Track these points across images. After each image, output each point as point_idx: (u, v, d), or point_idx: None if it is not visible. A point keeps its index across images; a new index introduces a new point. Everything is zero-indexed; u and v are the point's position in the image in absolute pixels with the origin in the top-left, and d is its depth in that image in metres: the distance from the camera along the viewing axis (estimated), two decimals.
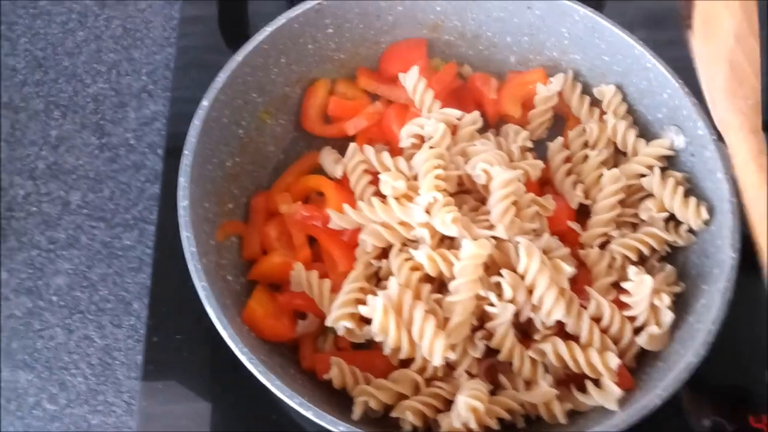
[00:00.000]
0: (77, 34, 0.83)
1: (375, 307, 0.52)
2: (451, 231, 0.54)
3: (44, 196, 0.73)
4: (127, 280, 0.68)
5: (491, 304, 0.53)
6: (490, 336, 0.54)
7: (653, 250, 0.59)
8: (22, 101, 0.78)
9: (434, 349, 0.51)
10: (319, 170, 0.66)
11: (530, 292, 0.54)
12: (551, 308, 0.53)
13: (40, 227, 0.71)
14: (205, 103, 0.58)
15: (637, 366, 0.56)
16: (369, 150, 0.62)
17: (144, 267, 0.69)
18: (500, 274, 0.54)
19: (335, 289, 0.56)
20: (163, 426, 0.58)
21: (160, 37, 0.84)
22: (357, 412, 0.52)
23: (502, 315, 0.53)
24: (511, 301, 0.53)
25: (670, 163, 0.62)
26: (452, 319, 0.53)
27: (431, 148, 0.59)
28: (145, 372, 0.60)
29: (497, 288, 0.54)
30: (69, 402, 0.63)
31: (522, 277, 0.54)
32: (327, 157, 0.64)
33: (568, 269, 0.54)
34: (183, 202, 0.54)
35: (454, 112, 0.63)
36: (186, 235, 0.53)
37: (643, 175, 0.61)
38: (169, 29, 0.84)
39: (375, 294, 0.53)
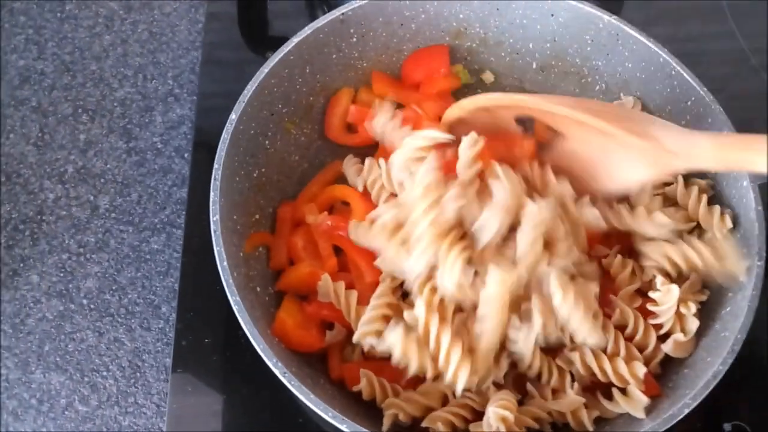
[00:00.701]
0: (104, 38, 0.84)
1: (393, 342, 0.51)
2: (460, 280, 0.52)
3: (73, 200, 0.74)
4: (155, 284, 0.69)
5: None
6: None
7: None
8: (51, 105, 0.79)
9: (459, 377, 0.50)
10: (343, 179, 0.67)
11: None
12: (586, 337, 0.52)
13: (70, 231, 0.72)
14: (233, 116, 0.59)
15: (663, 373, 0.56)
16: (383, 165, 0.62)
17: (172, 271, 0.70)
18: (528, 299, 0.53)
19: (362, 301, 0.57)
20: (191, 427, 0.59)
21: (186, 40, 0.85)
22: (386, 424, 0.52)
23: (526, 342, 0.52)
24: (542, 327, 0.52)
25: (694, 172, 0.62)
26: (479, 346, 0.52)
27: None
28: (174, 375, 0.61)
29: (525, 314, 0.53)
30: (100, 403, 0.64)
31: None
32: (349, 168, 0.65)
33: (596, 289, 0.54)
34: (214, 217, 0.55)
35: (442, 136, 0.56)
36: (218, 250, 0.54)
37: (667, 184, 0.61)
38: (194, 32, 0.85)
39: (400, 310, 0.54)
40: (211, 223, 0.55)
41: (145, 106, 0.80)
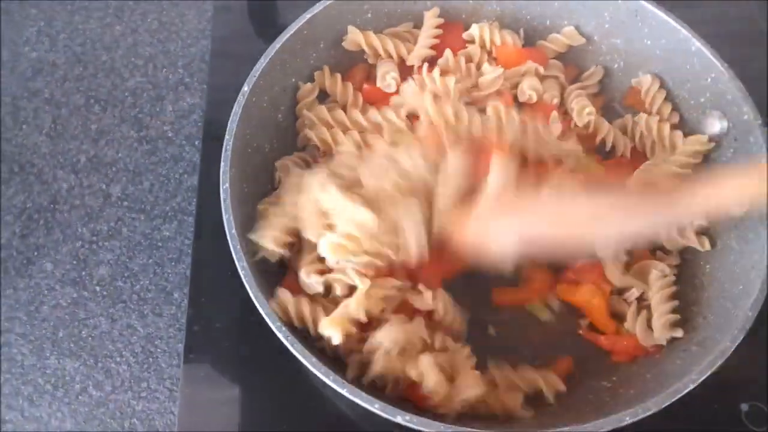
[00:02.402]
0: (114, 28, 0.85)
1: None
2: None
3: (86, 189, 0.74)
4: (167, 270, 0.70)
5: None
6: None
7: None
8: (63, 96, 0.80)
9: None
10: None
11: None
12: None
13: (83, 219, 0.72)
14: (245, 88, 0.59)
15: (671, 351, 0.56)
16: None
17: (183, 257, 0.70)
18: None
19: None
20: (204, 412, 0.59)
21: (195, 29, 0.85)
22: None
23: None
24: None
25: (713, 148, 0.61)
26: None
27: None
28: (186, 360, 0.61)
29: None
30: (114, 388, 0.65)
31: None
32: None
33: None
34: (224, 185, 0.55)
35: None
36: (227, 217, 0.54)
37: None
38: (204, 21, 0.85)
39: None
40: (221, 191, 0.55)
41: (156, 95, 0.80)
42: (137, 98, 0.80)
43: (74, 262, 0.70)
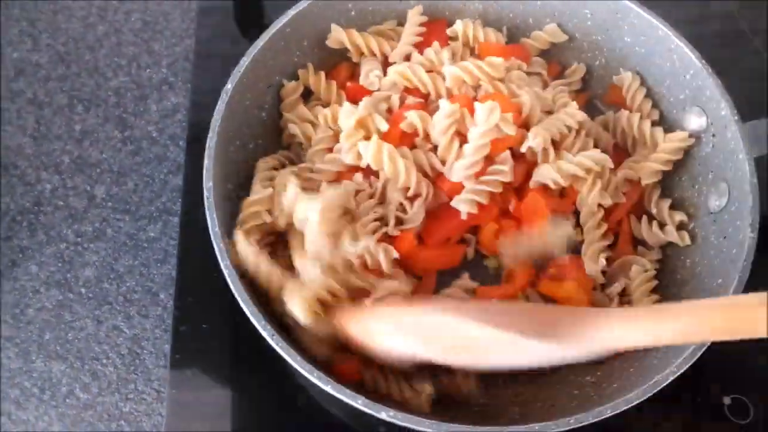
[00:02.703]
0: (98, 28, 0.84)
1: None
2: None
3: (70, 190, 0.74)
4: (152, 271, 0.70)
5: None
6: None
7: None
8: (46, 96, 0.80)
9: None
10: None
11: None
12: None
13: (68, 221, 0.72)
14: (229, 86, 0.59)
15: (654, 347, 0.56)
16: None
17: (169, 258, 0.70)
18: None
19: None
20: (192, 412, 0.59)
21: (179, 28, 0.84)
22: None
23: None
24: None
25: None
26: None
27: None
28: (173, 361, 0.61)
29: None
30: (101, 391, 0.65)
31: None
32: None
33: None
34: (208, 183, 0.56)
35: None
36: (210, 215, 0.54)
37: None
38: (188, 21, 0.85)
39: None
40: (204, 189, 0.55)
41: (140, 94, 0.80)
42: (121, 98, 0.80)
43: (59, 264, 0.70)
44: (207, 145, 0.57)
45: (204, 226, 0.66)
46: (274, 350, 0.61)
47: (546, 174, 0.59)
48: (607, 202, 0.60)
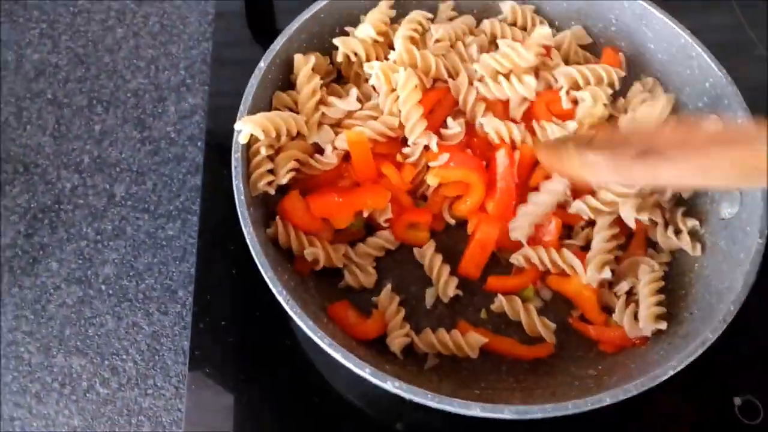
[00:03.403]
0: (116, 31, 0.86)
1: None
2: None
3: (90, 189, 0.75)
4: (171, 269, 0.71)
5: None
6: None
7: None
8: (66, 97, 0.81)
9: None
10: None
11: None
12: None
13: (88, 219, 0.73)
14: (261, 64, 0.62)
15: (655, 342, 0.58)
16: None
17: (188, 256, 0.71)
18: None
19: None
20: (210, 408, 0.60)
21: (196, 32, 0.86)
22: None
23: None
24: None
25: None
26: None
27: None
28: (192, 357, 0.62)
29: None
30: (120, 386, 0.66)
31: None
32: None
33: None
34: (236, 154, 0.58)
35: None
36: (236, 183, 0.57)
37: None
38: (205, 24, 0.86)
39: None
40: (233, 159, 0.58)
41: (158, 96, 0.81)
42: (140, 99, 0.81)
43: (79, 261, 0.71)
44: (238, 117, 0.59)
45: (222, 225, 0.68)
46: (293, 344, 0.62)
47: (582, 208, 0.61)
48: (644, 219, 0.61)
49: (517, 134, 0.63)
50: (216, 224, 0.68)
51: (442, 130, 0.64)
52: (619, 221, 0.62)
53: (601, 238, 0.61)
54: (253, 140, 0.59)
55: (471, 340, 0.58)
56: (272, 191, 0.60)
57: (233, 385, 0.62)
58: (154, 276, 0.71)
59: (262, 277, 0.54)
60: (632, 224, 0.61)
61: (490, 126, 0.63)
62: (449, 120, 0.64)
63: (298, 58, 0.64)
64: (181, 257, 0.71)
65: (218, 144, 0.73)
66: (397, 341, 0.58)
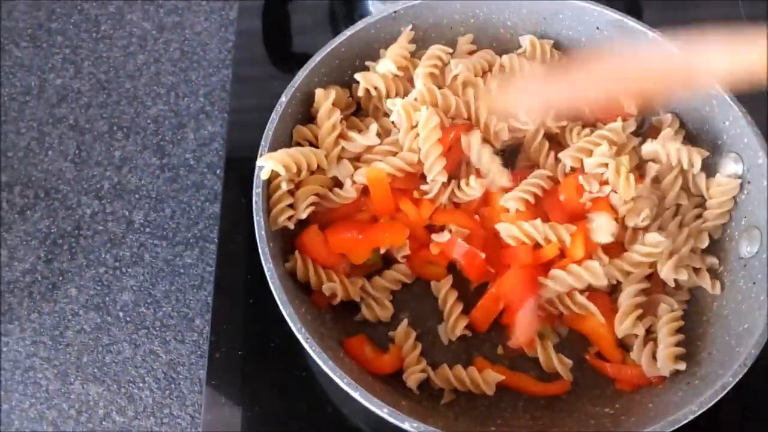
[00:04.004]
0: (138, 57, 0.87)
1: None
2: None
3: (109, 215, 0.76)
4: (189, 297, 0.71)
5: None
6: None
7: None
8: (87, 123, 0.82)
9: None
10: None
11: None
12: None
13: (107, 245, 0.74)
14: (283, 99, 0.62)
15: (673, 384, 0.57)
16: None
17: (205, 284, 0.72)
18: None
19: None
20: None
21: (216, 58, 0.87)
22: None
23: None
24: None
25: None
26: None
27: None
28: (209, 387, 0.63)
29: None
30: (137, 414, 0.66)
31: None
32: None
33: None
34: (257, 189, 0.58)
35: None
36: (257, 219, 0.57)
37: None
38: (224, 51, 0.87)
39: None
40: (253, 194, 0.58)
41: (178, 123, 0.82)
42: (159, 126, 0.82)
43: (98, 287, 0.72)
44: (259, 153, 0.60)
45: (240, 253, 0.69)
46: (309, 376, 0.63)
47: (612, 273, 0.61)
48: (683, 277, 0.60)
49: (539, 235, 0.61)
50: (234, 254, 0.69)
51: (457, 191, 0.64)
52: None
53: (629, 293, 0.60)
54: (273, 175, 0.59)
55: (488, 378, 0.58)
56: (291, 226, 0.60)
57: (249, 416, 0.62)
58: (171, 304, 0.71)
59: (278, 308, 0.54)
60: (671, 284, 0.60)
61: (507, 234, 0.62)
62: (472, 179, 0.63)
63: (319, 93, 0.64)
64: (199, 285, 0.72)
65: (237, 172, 0.74)
66: (413, 377, 0.58)
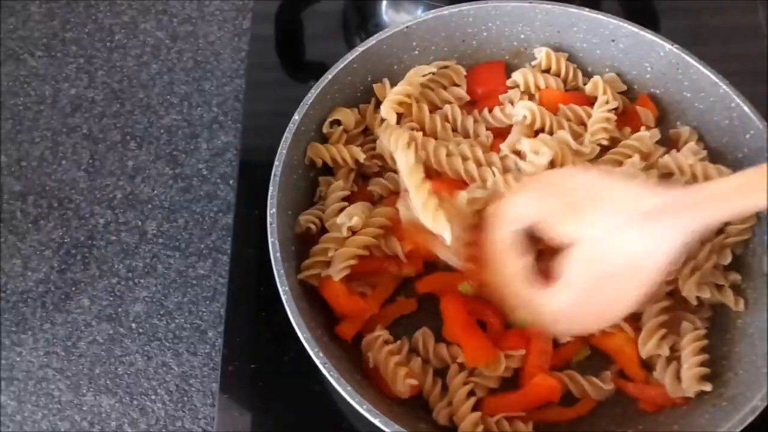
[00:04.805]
0: (151, 66, 0.87)
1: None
2: None
3: (122, 226, 0.76)
4: (201, 309, 0.71)
5: None
6: None
7: None
8: (101, 132, 0.82)
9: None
10: None
11: None
12: None
13: (119, 256, 0.74)
14: (296, 117, 0.62)
15: (699, 404, 0.56)
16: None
17: (218, 296, 0.71)
18: None
19: None
20: None
21: (230, 68, 0.87)
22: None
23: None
24: None
25: None
26: None
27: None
28: (221, 399, 0.62)
29: None
30: (149, 427, 0.66)
31: None
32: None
33: None
34: (271, 210, 0.58)
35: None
36: (272, 241, 0.56)
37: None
38: (238, 61, 0.87)
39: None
40: (268, 215, 0.57)
41: (191, 133, 0.82)
42: (172, 135, 0.82)
43: (110, 298, 0.72)
44: (273, 173, 0.59)
45: (253, 265, 0.68)
46: (323, 391, 0.62)
47: None
48: (706, 295, 0.59)
49: None
50: (247, 266, 0.68)
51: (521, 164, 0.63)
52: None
53: (652, 312, 0.59)
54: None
55: (519, 429, 0.56)
56: (317, 283, 0.60)
57: (262, 429, 0.61)
58: (184, 315, 0.71)
59: (291, 322, 0.54)
60: (694, 301, 0.59)
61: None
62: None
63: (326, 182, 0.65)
64: (212, 297, 0.71)
65: (250, 181, 0.74)
66: (443, 413, 0.57)
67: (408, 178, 0.60)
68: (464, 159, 0.63)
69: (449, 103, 0.69)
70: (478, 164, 0.63)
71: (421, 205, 0.58)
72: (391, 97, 0.66)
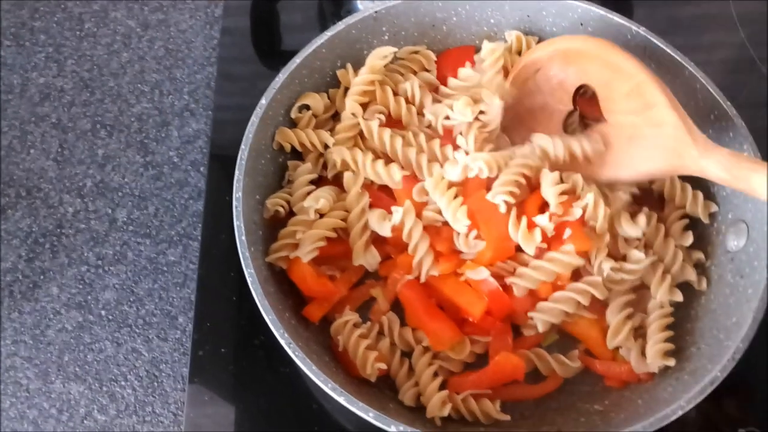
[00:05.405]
0: (122, 55, 0.86)
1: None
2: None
3: (92, 214, 0.75)
4: (172, 295, 0.71)
5: None
6: None
7: None
8: (70, 121, 0.81)
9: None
10: None
11: None
12: None
13: (89, 244, 0.73)
14: (263, 101, 0.62)
15: (662, 379, 0.57)
16: None
17: (188, 282, 0.71)
18: None
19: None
20: None
21: (201, 56, 0.86)
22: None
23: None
24: None
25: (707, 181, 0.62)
26: None
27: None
28: (191, 385, 0.62)
29: None
30: (118, 413, 0.65)
31: None
32: None
33: None
34: (237, 194, 0.58)
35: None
36: (237, 224, 0.56)
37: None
38: (209, 49, 0.87)
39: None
40: (234, 199, 0.57)
41: (162, 121, 0.81)
42: (143, 124, 0.81)
43: (80, 286, 0.71)
44: (239, 156, 0.59)
45: (224, 251, 0.68)
46: (292, 375, 0.62)
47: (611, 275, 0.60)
48: (678, 298, 0.59)
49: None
50: (217, 251, 0.68)
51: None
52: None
53: (617, 307, 0.59)
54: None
55: (485, 408, 0.57)
56: (284, 266, 0.60)
57: (231, 413, 0.61)
58: (154, 302, 0.70)
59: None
60: (667, 306, 0.60)
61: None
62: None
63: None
64: (182, 283, 0.71)
65: (221, 170, 0.73)
66: (408, 394, 0.57)
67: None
68: (419, 151, 0.63)
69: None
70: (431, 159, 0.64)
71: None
72: (355, 89, 0.66)
